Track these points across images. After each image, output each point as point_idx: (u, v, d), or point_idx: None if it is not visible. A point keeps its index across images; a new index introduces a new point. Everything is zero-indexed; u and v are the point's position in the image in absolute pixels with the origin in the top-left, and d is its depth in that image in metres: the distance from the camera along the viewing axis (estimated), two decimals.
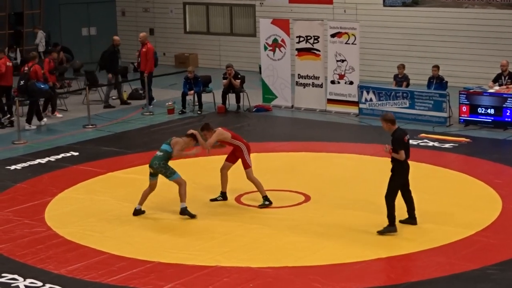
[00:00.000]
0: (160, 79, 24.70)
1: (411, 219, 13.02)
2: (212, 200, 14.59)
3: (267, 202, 14.22)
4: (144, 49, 22.78)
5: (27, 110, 20.76)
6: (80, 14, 30.31)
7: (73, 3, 30.22)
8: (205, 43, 29.15)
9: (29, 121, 20.67)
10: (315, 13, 25.61)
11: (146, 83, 22.27)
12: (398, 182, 12.65)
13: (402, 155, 12.49)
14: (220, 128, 14.32)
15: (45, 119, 21.13)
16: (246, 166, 14.22)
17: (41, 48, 28.02)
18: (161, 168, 13.71)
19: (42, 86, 20.74)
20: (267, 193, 14.28)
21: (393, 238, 12.57)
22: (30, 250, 12.39)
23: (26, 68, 20.75)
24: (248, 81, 22.83)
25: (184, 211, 13.79)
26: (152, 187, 13.95)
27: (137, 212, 13.93)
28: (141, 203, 13.95)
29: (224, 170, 14.46)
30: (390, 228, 12.67)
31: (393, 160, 12.63)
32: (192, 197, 14.24)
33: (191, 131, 14.07)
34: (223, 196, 14.57)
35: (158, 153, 13.82)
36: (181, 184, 13.79)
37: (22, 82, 20.64)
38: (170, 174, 13.75)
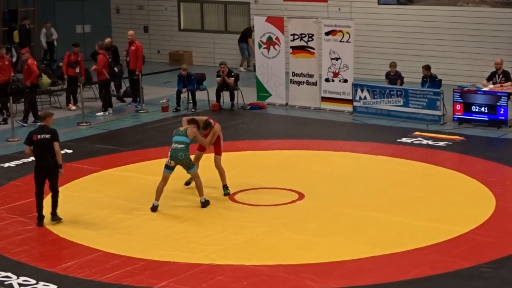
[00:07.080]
0: (154, 77, 24.67)
1: (53, 216, 13.39)
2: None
3: (228, 191, 14.50)
4: (133, 47, 22.53)
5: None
6: (74, 12, 30.24)
7: (67, 0, 30.16)
8: (200, 41, 29.12)
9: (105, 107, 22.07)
10: (310, 11, 25.59)
11: (141, 81, 22.25)
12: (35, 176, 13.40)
13: (25, 149, 13.48)
14: (217, 124, 14.58)
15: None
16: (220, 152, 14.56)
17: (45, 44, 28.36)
18: (187, 160, 13.69)
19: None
20: (259, 191, 14.41)
21: (386, 237, 12.57)
22: (24, 248, 12.37)
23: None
24: (242, 79, 22.80)
25: (205, 204, 13.91)
26: (166, 181, 13.85)
27: (155, 208, 13.81)
28: (157, 198, 13.84)
29: (197, 161, 14.62)
30: (38, 222, 13.27)
31: None
32: (183, 196, 14.25)
33: (188, 118, 14.29)
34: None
35: (178, 145, 13.66)
36: (198, 177, 13.87)
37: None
38: (191, 166, 13.82)
